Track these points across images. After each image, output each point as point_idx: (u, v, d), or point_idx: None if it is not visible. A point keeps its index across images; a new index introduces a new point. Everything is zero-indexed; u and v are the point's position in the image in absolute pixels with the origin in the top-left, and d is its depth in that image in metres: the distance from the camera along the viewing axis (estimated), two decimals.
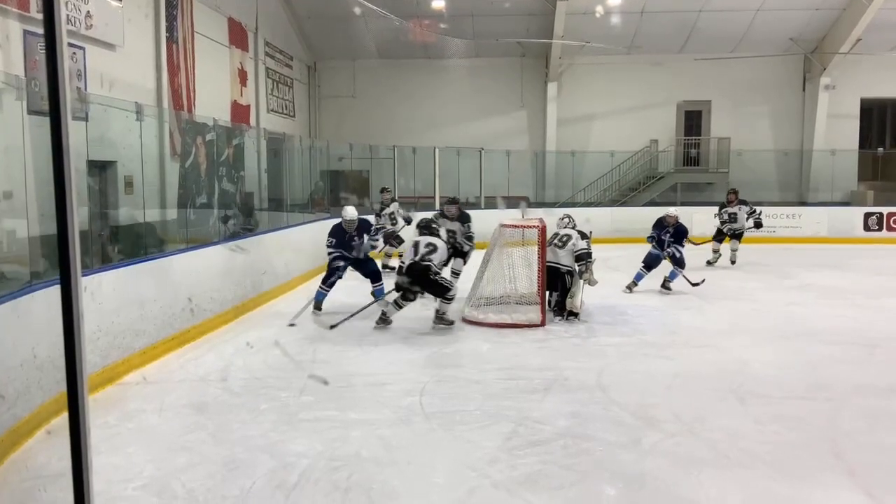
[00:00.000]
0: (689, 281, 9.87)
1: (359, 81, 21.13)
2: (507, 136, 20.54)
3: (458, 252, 9.58)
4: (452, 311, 8.12)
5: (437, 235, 8.19)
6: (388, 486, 4.04)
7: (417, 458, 4.41)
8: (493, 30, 18.95)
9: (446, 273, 9.69)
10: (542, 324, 7.96)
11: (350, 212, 8.66)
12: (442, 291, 7.87)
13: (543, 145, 20.81)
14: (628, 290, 9.93)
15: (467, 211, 9.82)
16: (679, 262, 9.94)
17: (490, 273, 8.58)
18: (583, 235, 8.65)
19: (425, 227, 8.25)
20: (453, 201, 9.93)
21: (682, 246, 9.96)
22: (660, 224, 10.15)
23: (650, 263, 10.11)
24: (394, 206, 12.06)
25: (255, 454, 4.46)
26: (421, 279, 7.76)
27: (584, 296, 8.49)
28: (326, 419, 5.09)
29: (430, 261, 7.77)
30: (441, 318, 8.03)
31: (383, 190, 12.68)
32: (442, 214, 9.74)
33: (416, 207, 15.19)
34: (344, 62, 20.96)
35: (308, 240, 11.18)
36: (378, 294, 8.68)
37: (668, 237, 9.97)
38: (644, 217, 17.26)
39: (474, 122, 20.66)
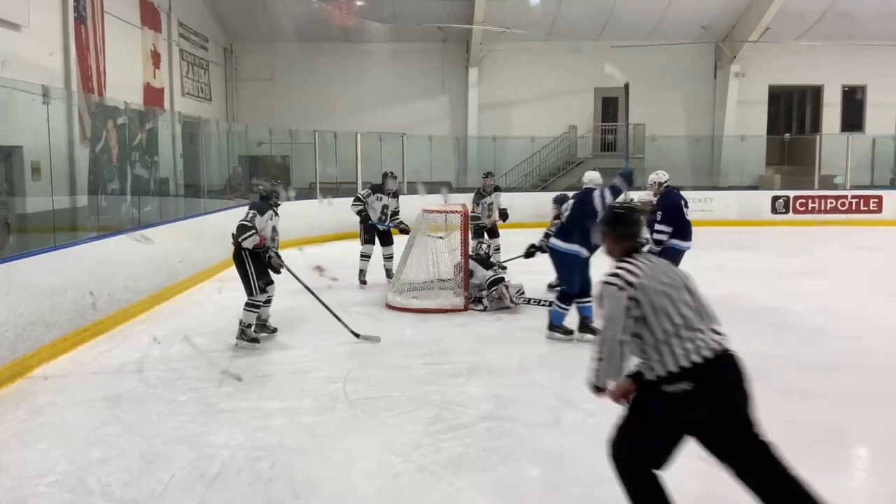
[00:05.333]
0: None
1: (277, 65, 20.74)
2: (429, 121, 20.53)
3: (385, 236, 9.58)
4: (378, 298, 8.05)
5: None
6: (312, 474, 4.01)
7: (341, 445, 4.40)
8: (414, 14, 18.87)
9: (378, 261, 9.69)
10: (465, 308, 8.02)
11: None
12: (247, 290, 6.67)
13: (465, 130, 20.92)
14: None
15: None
16: None
17: (413, 258, 8.59)
18: None
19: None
20: (393, 175, 9.85)
21: None
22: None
23: None
24: (493, 197, 10.45)
25: (173, 446, 4.36)
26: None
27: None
28: (247, 409, 5.02)
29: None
30: (241, 335, 6.64)
31: (487, 175, 10.73)
32: (379, 189, 9.68)
33: (338, 193, 15.09)
34: (262, 45, 20.52)
35: (226, 227, 10.92)
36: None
37: None
38: None
39: (396, 107, 20.57)
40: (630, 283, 2.94)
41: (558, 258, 6.83)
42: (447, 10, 19.07)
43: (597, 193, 6.69)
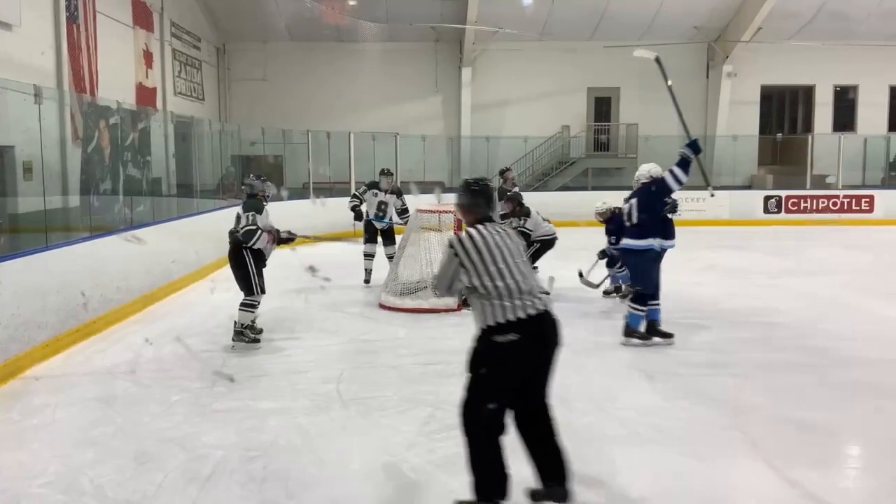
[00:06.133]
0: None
1: (270, 64, 20.70)
2: (422, 121, 20.53)
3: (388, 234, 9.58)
4: (372, 298, 8.03)
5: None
6: (306, 474, 4.01)
7: (335, 445, 4.39)
8: (407, 14, 18.87)
9: (381, 259, 9.60)
10: (459, 308, 8.02)
11: None
12: (246, 290, 6.65)
13: (458, 130, 20.92)
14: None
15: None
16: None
17: (407, 258, 8.59)
18: None
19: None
20: (389, 172, 9.83)
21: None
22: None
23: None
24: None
25: (166, 447, 4.35)
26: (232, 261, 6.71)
27: None
28: (240, 409, 5.01)
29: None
30: (239, 333, 6.60)
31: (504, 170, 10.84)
32: (375, 185, 9.66)
33: (331, 193, 15.07)
34: (254, 44, 20.49)
35: (219, 227, 10.89)
36: None
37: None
38: (557, 202, 17.68)
39: (389, 106, 20.57)
40: (464, 246, 3.50)
41: (634, 257, 6.64)
42: (440, 10, 19.09)
43: (667, 176, 6.41)
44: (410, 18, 18.96)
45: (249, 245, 6.45)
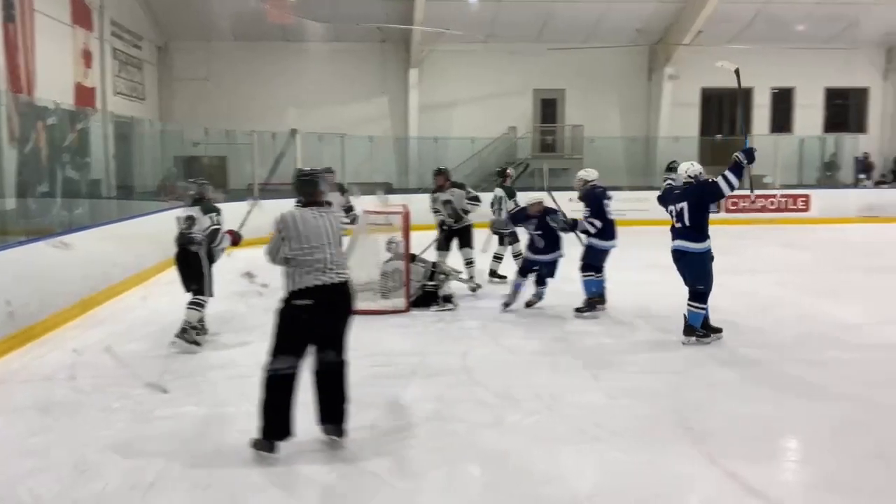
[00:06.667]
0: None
1: (213, 64, 20.37)
2: (370, 121, 20.47)
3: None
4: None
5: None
6: (251, 480, 3.96)
7: (281, 450, 4.34)
8: (353, 14, 18.76)
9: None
10: (407, 310, 8.02)
11: None
12: (197, 290, 6.63)
13: (406, 131, 20.90)
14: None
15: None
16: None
17: (355, 260, 8.52)
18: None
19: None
20: (330, 170, 9.66)
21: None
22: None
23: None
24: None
25: (107, 455, 4.24)
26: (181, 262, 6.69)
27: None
28: (183, 415, 4.93)
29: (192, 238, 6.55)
30: (184, 331, 6.51)
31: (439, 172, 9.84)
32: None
33: (278, 195, 14.87)
34: (197, 43, 20.14)
35: (161, 229, 10.68)
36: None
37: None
38: None
39: (335, 107, 20.41)
40: (286, 223, 4.26)
41: (691, 260, 6.68)
42: (386, 11, 19.03)
43: (721, 181, 6.35)
44: (356, 18, 18.86)
45: (215, 245, 6.49)
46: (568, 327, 7.36)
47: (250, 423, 4.71)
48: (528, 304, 8.15)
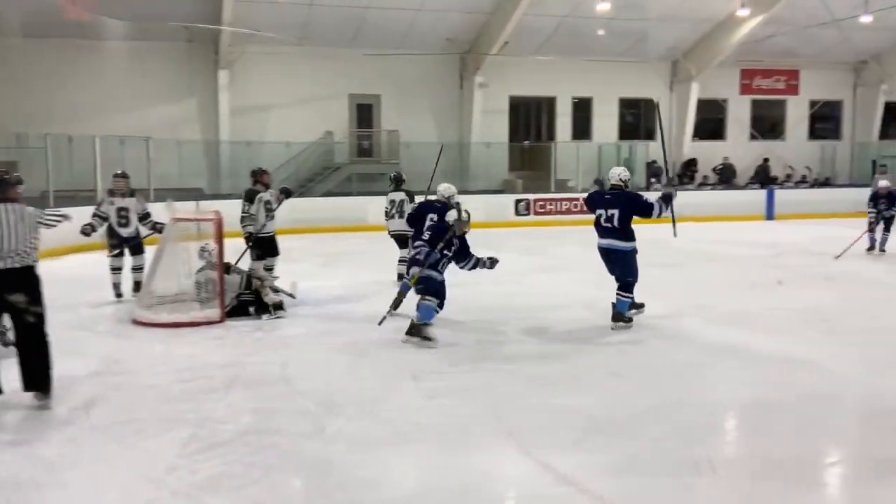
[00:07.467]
0: None
1: (3, 62, 18.49)
2: (177, 124, 19.51)
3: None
4: (125, 314, 7.50)
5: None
6: None
7: (86, 476, 4.06)
8: (157, 12, 17.78)
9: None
10: (222, 320, 7.74)
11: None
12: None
13: (217, 135, 20.12)
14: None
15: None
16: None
17: (162, 269, 8.14)
18: None
19: None
20: (123, 174, 9.19)
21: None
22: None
23: None
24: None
25: None
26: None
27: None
28: None
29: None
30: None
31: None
32: (110, 192, 9.08)
33: (75, 202, 13.87)
34: None
35: None
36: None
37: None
38: (322, 207, 17.66)
39: (140, 109, 19.22)
40: None
41: (621, 256, 7.43)
42: (193, 9, 18.23)
43: (655, 206, 7.25)
44: (160, 17, 17.90)
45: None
46: (390, 333, 7.41)
47: (52, 451, 4.44)
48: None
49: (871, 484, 4.07)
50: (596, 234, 7.62)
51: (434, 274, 7.02)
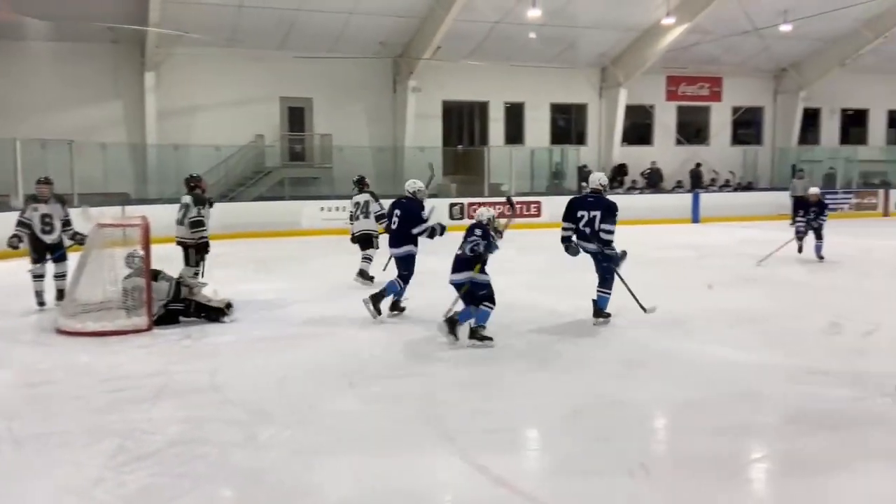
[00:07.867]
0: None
1: None
2: (102, 127, 18.95)
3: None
4: (48, 322, 7.26)
5: None
6: None
7: (8, 492, 3.91)
8: (80, 12, 17.23)
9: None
10: (149, 328, 7.55)
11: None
12: None
13: (143, 138, 19.61)
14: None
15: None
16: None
17: (87, 277, 7.89)
18: None
19: None
20: (46, 180, 8.98)
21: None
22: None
23: None
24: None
25: None
26: None
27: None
28: None
29: None
30: None
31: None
32: (33, 198, 8.85)
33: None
34: None
35: None
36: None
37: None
38: (253, 211, 17.40)
39: (63, 111, 18.57)
40: None
41: (606, 256, 7.77)
42: (118, 10, 17.72)
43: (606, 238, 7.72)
44: (84, 17, 17.34)
45: None
46: (327, 339, 7.36)
47: None
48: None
49: (795, 481, 4.24)
50: (562, 238, 8.11)
51: (488, 279, 7.35)
